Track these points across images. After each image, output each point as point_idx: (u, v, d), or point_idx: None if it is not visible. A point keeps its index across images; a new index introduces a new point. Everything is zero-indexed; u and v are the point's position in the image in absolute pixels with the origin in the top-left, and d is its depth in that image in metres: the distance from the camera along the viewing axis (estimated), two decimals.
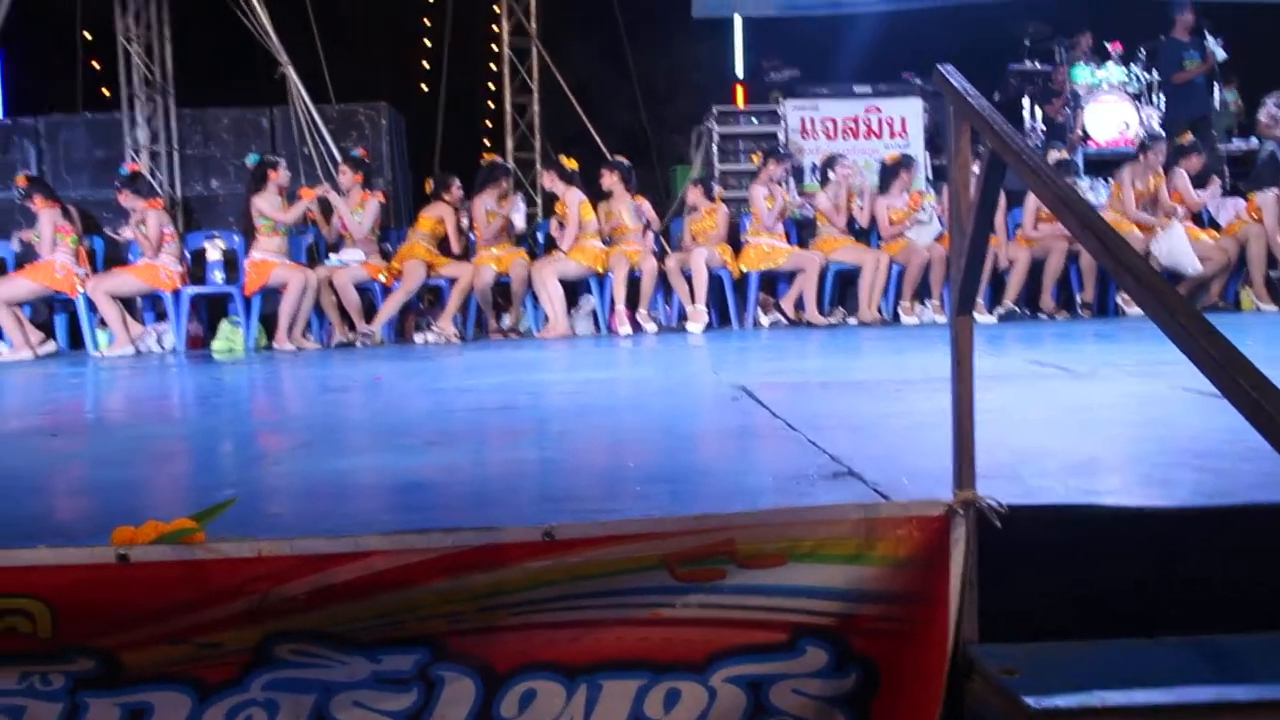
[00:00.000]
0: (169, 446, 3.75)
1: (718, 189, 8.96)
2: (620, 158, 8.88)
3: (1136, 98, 9.90)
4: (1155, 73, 10.04)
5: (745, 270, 8.52)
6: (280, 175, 8.18)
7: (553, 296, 8.26)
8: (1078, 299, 8.54)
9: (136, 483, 3.00)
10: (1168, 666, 1.85)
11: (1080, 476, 2.46)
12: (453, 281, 8.28)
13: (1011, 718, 1.77)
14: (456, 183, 8.67)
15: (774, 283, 8.73)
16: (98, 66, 10.29)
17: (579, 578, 1.90)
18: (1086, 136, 9.74)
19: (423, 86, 11.70)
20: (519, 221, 8.44)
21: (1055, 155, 8.79)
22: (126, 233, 8.32)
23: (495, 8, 11.01)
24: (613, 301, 8.38)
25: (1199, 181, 8.77)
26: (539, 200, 10.20)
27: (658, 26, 12.05)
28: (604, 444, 3.50)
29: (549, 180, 8.65)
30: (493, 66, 11.39)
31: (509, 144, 10.88)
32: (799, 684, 1.98)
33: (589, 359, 6.83)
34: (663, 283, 8.47)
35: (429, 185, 8.79)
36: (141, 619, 1.85)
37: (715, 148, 9.58)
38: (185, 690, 1.88)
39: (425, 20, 11.78)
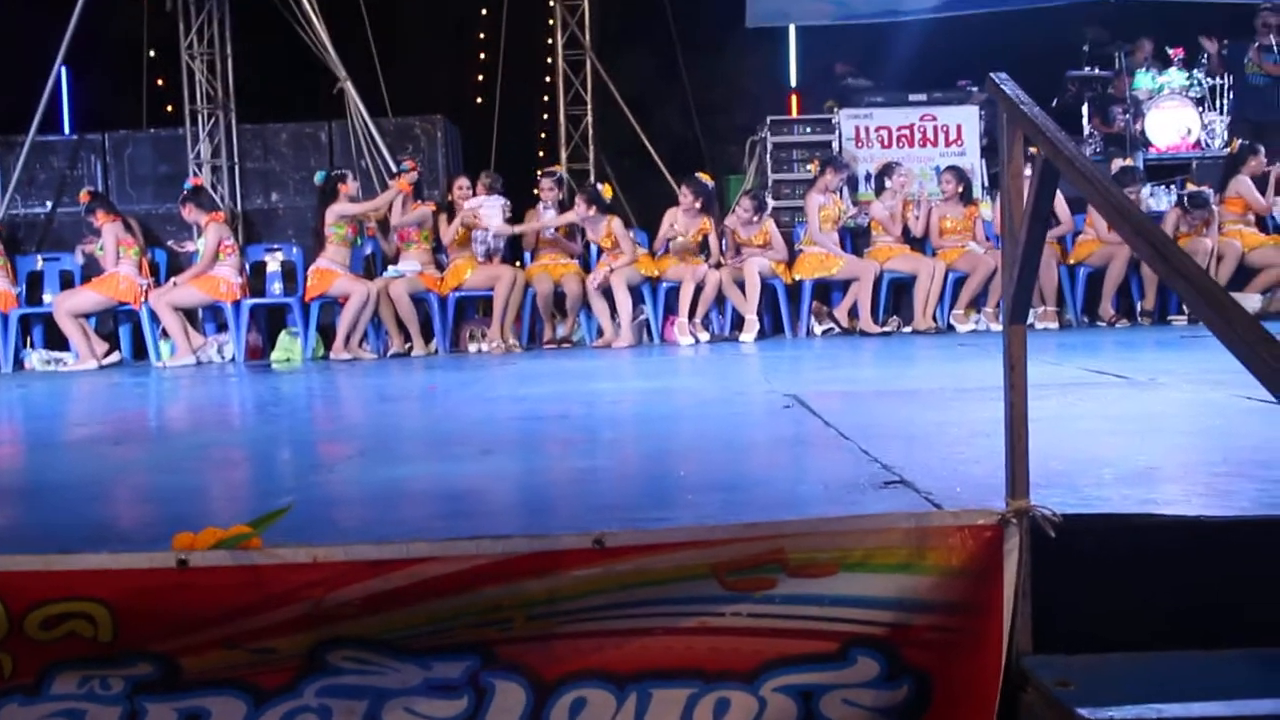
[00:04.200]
0: (228, 454, 3.81)
1: (770, 202, 8.86)
2: (703, 177, 8.73)
3: (1199, 102, 9.73)
4: (1219, 77, 9.84)
5: (799, 278, 8.49)
6: (350, 188, 8.32)
7: (605, 307, 8.28)
8: (1138, 307, 8.41)
9: (196, 489, 3.05)
10: (1227, 679, 1.81)
11: (1137, 486, 2.42)
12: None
13: None
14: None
15: (828, 291, 8.69)
16: (162, 84, 10.48)
17: (629, 585, 1.91)
18: (1147, 143, 9.59)
19: (478, 99, 11.79)
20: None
21: (1120, 162, 8.66)
22: (188, 245, 8.48)
23: (549, 21, 11.07)
24: (666, 311, 8.38)
25: (1266, 185, 8.59)
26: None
27: (711, 37, 12.02)
28: (656, 452, 3.51)
29: (585, 208, 8.37)
30: (547, 79, 11.45)
31: (563, 155, 10.92)
32: (850, 694, 1.96)
33: (642, 368, 6.84)
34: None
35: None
36: (199, 624, 1.88)
37: (769, 157, 9.55)
38: (241, 695, 1.91)
39: (480, 34, 11.87)
